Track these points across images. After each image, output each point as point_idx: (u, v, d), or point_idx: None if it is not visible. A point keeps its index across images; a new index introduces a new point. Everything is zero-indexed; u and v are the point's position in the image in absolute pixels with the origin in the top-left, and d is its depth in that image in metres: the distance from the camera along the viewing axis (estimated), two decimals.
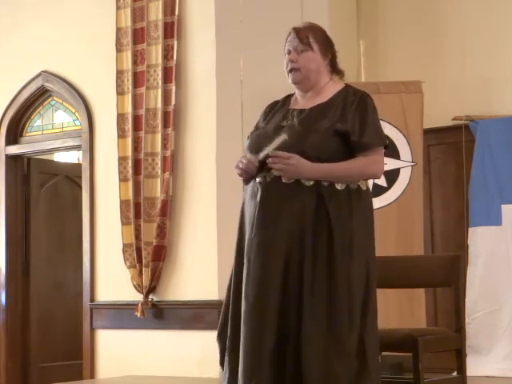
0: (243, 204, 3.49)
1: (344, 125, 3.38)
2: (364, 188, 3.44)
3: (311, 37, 3.50)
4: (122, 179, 6.46)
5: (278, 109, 3.59)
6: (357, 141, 3.38)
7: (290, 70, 3.51)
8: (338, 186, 3.35)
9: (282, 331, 3.26)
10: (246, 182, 3.50)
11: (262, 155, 3.37)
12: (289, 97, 3.64)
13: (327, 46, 3.53)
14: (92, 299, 6.69)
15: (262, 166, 3.39)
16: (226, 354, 3.39)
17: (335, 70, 3.57)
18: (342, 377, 3.23)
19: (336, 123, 3.38)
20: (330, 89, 3.52)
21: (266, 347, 3.23)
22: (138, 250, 6.33)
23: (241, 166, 3.42)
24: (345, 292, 3.27)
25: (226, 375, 3.39)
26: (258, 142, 3.48)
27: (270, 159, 3.33)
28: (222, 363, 3.46)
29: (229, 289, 3.48)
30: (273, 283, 3.27)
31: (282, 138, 3.34)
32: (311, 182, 3.34)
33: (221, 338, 3.46)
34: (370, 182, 3.66)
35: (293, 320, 3.26)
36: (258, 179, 3.41)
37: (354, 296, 3.31)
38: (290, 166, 3.30)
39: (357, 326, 3.30)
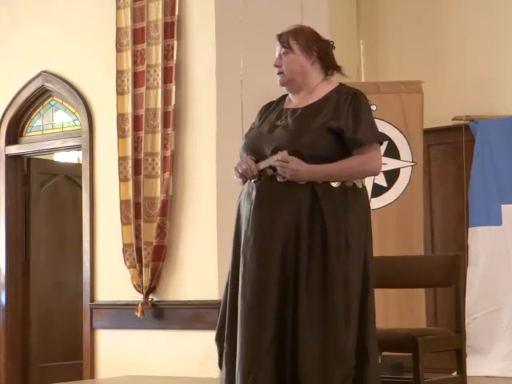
0: (239, 204, 3.50)
1: (337, 122, 3.37)
2: (360, 186, 3.43)
3: (291, 39, 3.50)
4: (122, 179, 6.46)
5: (273, 109, 3.61)
6: (351, 137, 3.36)
7: (277, 74, 3.54)
8: (334, 184, 3.35)
9: (278, 330, 3.26)
10: (243, 182, 3.52)
11: (262, 165, 3.39)
12: (284, 97, 3.65)
13: (310, 45, 3.50)
14: (92, 299, 6.68)
15: (261, 173, 3.41)
16: (224, 355, 3.39)
17: (327, 64, 3.54)
18: (338, 376, 3.23)
19: (329, 121, 3.38)
20: (323, 88, 3.51)
21: (263, 345, 3.24)
22: (138, 250, 6.33)
23: (240, 170, 3.45)
24: (341, 291, 3.27)
25: (224, 377, 3.39)
26: (253, 141, 3.51)
27: (276, 163, 3.33)
28: (220, 365, 3.46)
29: (226, 290, 3.47)
30: (269, 282, 3.27)
31: (284, 154, 3.34)
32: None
33: (219, 340, 3.46)
34: (370, 182, 3.65)
35: (289, 319, 3.26)
36: (253, 179, 3.43)
37: (352, 295, 3.30)
38: (288, 169, 3.31)
39: (355, 325, 3.30)
